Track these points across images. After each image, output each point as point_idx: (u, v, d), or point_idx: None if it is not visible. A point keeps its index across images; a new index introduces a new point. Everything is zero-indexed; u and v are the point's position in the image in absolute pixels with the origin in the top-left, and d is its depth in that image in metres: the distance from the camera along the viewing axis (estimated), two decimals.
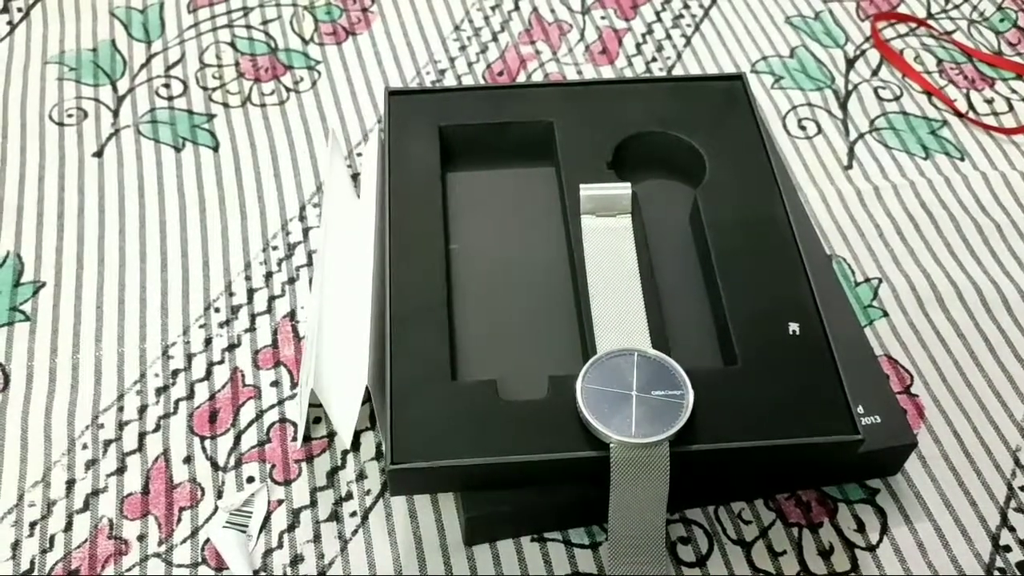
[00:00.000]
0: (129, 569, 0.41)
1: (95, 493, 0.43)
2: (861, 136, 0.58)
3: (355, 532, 0.42)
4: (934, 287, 0.50)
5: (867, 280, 0.51)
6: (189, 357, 0.47)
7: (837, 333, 0.44)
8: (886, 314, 0.49)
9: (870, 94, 0.60)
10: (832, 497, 0.43)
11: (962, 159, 0.57)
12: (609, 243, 0.43)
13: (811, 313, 0.41)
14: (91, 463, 0.44)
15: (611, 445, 0.37)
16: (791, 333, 0.41)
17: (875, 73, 0.61)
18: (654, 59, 0.62)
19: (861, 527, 0.42)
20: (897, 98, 0.60)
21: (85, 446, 0.44)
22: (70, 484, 0.43)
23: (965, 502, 0.43)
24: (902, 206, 0.54)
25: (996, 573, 0.41)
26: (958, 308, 0.50)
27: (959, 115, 0.59)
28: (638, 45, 0.63)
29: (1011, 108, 0.59)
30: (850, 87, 0.60)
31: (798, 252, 0.43)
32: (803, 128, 0.58)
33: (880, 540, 0.42)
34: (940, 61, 0.62)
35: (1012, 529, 0.42)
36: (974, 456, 0.45)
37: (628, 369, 0.39)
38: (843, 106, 0.59)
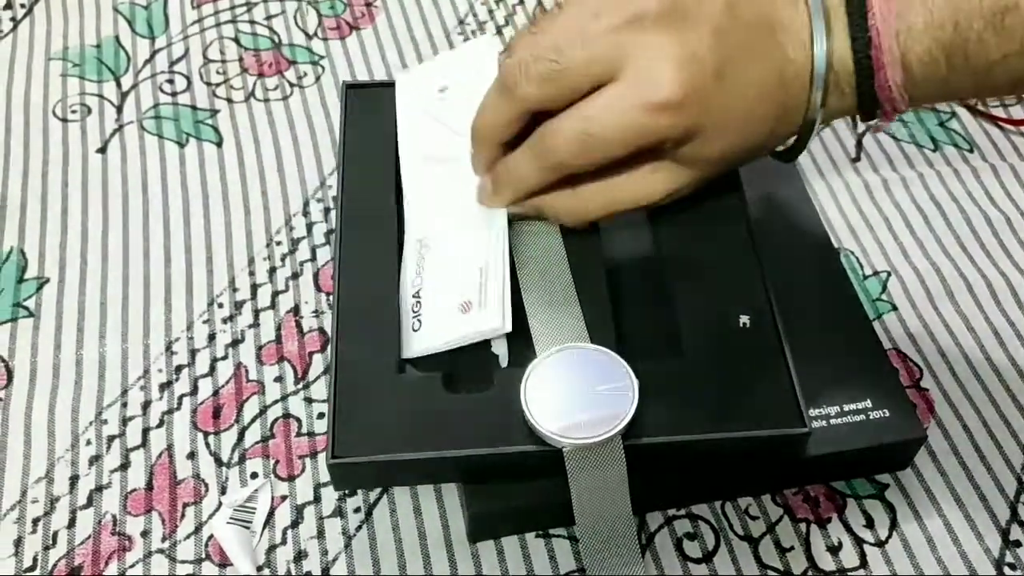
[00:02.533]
0: (133, 565, 0.41)
1: (99, 489, 0.43)
2: (869, 128, 0.57)
3: (359, 528, 0.42)
4: (944, 280, 0.50)
5: (876, 273, 0.50)
6: (193, 353, 0.47)
7: (845, 327, 0.44)
8: (895, 308, 0.49)
9: None
10: (841, 492, 0.43)
11: (971, 151, 0.56)
12: (540, 243, 0.43)
13: (762, 305, 0.41)
14: (94, 459, 0.44)
15: (563, 449, 0.36)
16: (741, 325, 0.40)
17: None
18: None
19: (870, 523, 0.42)
20: None
21: (89, 442, 0.44)
22: (73, 480, 0.43)
23: (975, 497, 0.43)
24: (911, 198, 0.54)
25: (1007, 568, 0.40)
26: (968, 301, 0.49)
27: (968, 107, 0.58)
28: None
29: (1020, 100, 0.59)
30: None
31: (751, 242, 0.43)
32: None
33: (889, 536, 0.41)
34: None
35: (1023, 524, 0.42)
36: (984, 450, 0.44)
37: (570, 367, 0.38)
38: None
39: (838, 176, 0.55)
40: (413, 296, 0.42)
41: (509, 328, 0.40)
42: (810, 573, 0.40)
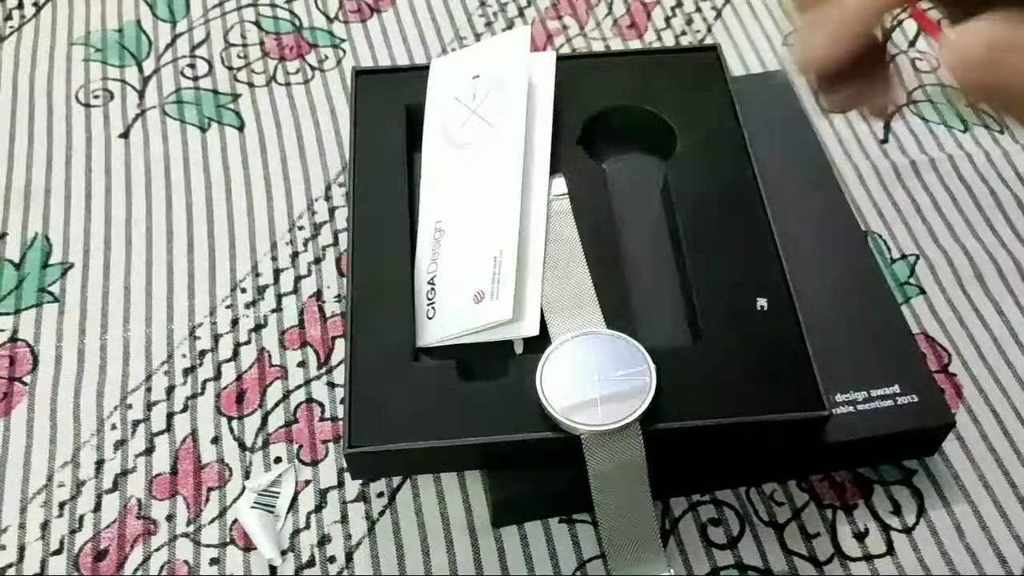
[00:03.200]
0: (158, 549, 0.41)
1: (124, 473, 0.43)
2: (898, 109, 0.56)
3: (382, 513, 0.42)
4: (973, 263, 0.49)
5: (903, 257, 0.50)
6: (216, 338, 0.47)
7: (873, 311, 0.43)
8: (923, 292, 0.48)
9: (907, 65, 0.58)
10: (867, 478, 0.42)
11: (1002, 132, 0.55)
12: (555, 229, 0.43)
13: (780, 289, 0.41)
14: (120, 443, 0.44)
15: (581, 436, 0.36)
16: (759, 308, 0.40)
17: (912, 44, 0.60)
18: (683, 32, 0.61)
19: (897, 509, 0.41)
20: (935, 70, 0.58)
21: (114, 427, 0.44)
22: (99, 464, 0.43)
23: (1005, 483, 0.42)
24: (940, 181, 0.53)
25: None
26: (998, 285, 0.48)
27: None
28: (667, 19, 0.62)
29: None
30: (887, 59, 0.58)
31: (768, 226, 0.42)
32: None
33: (917, 522, 0.41)
34: None
35: None
36: (1014, 436, 0.43)
37: (586, 352, 0.38)
38: None
39: (865, 157, 0.54)
40: (428, 283, 0.42)
41: (510, 315, 0.40)
42: (836, 559, 0.40)
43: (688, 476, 0.41)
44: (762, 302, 0.41)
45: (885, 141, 0.55)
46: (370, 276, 0.43)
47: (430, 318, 0.42)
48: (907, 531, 0.41)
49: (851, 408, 0.40)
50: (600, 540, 0.40)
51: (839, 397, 0.41)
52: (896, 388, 0.41)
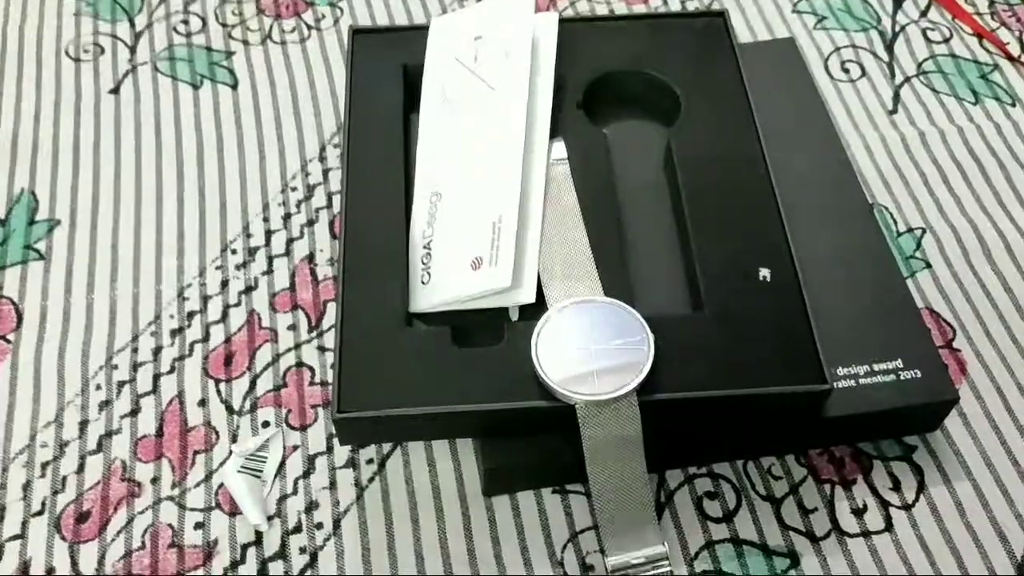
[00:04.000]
0: (142, 512, 0.40)
1: (108, 435, 0.42)
2: (907, 80, 0.55)
3: (371, 480, 0.41)
4: (980, 238, 0.48)
5: (910, 230, 0.49)
6: (205, 299, 0.46)
7: (877, 285, 0.42)
8: (929, 265, 0.47)
9: (918, 36, 0.57)
10: (867, 454, 0.41)
11: (1013, 105, 0.54)
12: (554, 195, 0.42)
13: (783, 259, 0.40)
14: (104, 404, 0.43)
15: (576, 405, 0.35)
16: (761, 279, 0.39)
17: (924, 14, 0.58)
18: None
19: (897, 485, 0.41)
20: (946, 40, 0.57)
21: (99, 387, 0.44)
22: (83, 425, 0.42)
23: (1007, 461, 0.41)
24: (949, 153, 0.52)
25: None
26: (1005, 260, 0.47)
27: (1011, 59, 0.56)
28: None
29: None
30: (897, 28, 0.57)
31: (773, 196, 0.42)
32: (846, 71, 0.55)
33: (916, 499, 0.40)
34: (992, 2, 0.59)
35: None
36: (1018, 414, 0.42)
37: (583, 320, 0.37)
38: (889, 48, 0.56)
39: (873, 128, 0.53)
40: (424, 247, 0.41)
41: (509, 282, 0.39)
42: (833, 535, 0.39)
43: (685, 449, 0.41)
44: (765, 272, 0.40)
45: (894, 112, 0.53)
46: (363, 239, 0.42)
47: (424, 283, 0.41)
48: (906, 508, 0.40)
49: (852, 382, 0.39)
50: (593, 511, 0.39)
51: (841, 371, 0.40)
52: (899, 363, 0.40)
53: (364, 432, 0.38)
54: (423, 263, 0.41)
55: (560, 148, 0.43)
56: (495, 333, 0.39)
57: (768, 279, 0.40)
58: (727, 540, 0.39)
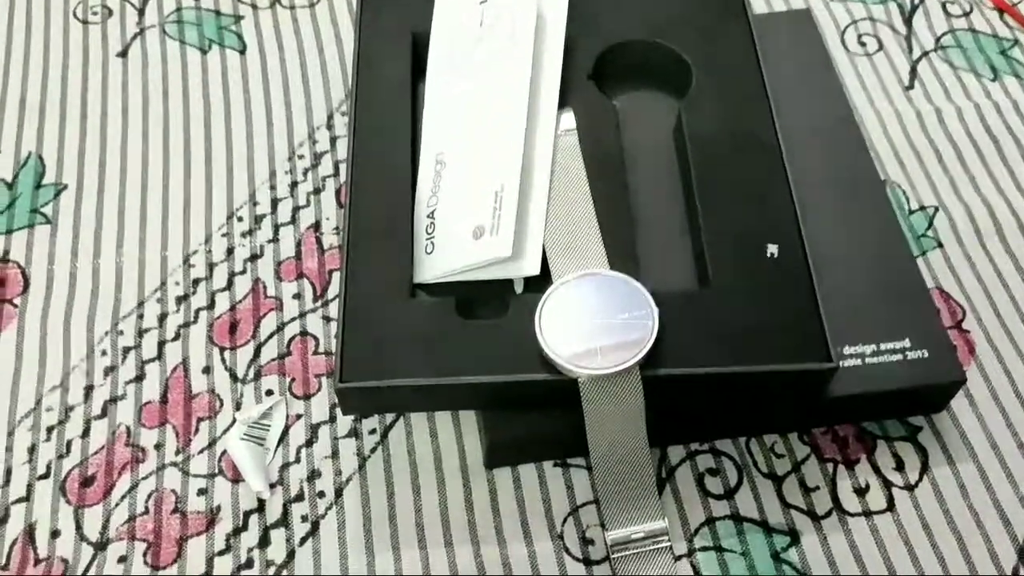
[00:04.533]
0: (145, 477, 0.40)
1: (113, 400, 0.42)
2: (925, 54, 0.54)
3: (374, 450, 0.41)
4: (994, 217, 0.47)
5: (922, 208, 0.48)
6: (211, 266, 0.46)
7: (887, 263, 0.42)
8: (940, 245, 0.47)
9: (937, 9, 0.56)
10: (871, 433, 0.41)
11: None
12: (561, 164, 0.41)
13: (791, 236, 0.39)
14: (110, 370, 0.43)
15: (579, 379, 0.35)
16: (769, 256, 0.39)
17: None
18: None
19: (900, 465, 0.40)
20: (966, 14, 0.56)
21: (104, 352, 0.44)
22: (88, 390, 0.43)
23: (1013, 444, 0.41)
24: (965, 130, 0.51)
25: None
26: (1018, 240, 0.47)
27: None
28: None
29: None
30: (916, 1, 0.56)
31: (784, 171, 0.41)
32: (863, 44, 0.54)
33: (919, 480, 0.40)
34: None
35: None
36: None
37: (588, 293, 0.37)
38: (908, 21, 0.55)
39: (889, 104, 0.52)
40: (428, 216, 0.41)
41: (509, 252, 0.39)
42: (835, 514, 0.39)
43: (687, 425, 0.40)
44: (772, 249, 0.39)
45: (910, 87, 0.52)
46: (368, 209, 0.41)
47: (429, 253, 0.41)
48: (909, 488, 0.40)
49: (859, 361, 0.39)
50: (594, 485, 0.39)
51: (847, 349, 0.39)
52: (906, 342, 0.39)
53: (366, 402, 0.38)
54: (427, 232, 0.41)
55: (569, 118, 0.43)
56: (500, 305, 0.39)
57: (776, 256, 0.39)
58: (728, 517, 0.39)
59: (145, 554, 0.39)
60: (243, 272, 0.46)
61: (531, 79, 0.43)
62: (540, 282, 0.39)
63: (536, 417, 0.39)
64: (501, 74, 0.43)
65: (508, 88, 0.42)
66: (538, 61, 0.43)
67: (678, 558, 0.38)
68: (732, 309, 0.38)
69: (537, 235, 0.40)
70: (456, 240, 0.40)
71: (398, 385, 0.36)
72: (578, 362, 0.35)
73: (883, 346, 0.39)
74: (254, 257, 0.47)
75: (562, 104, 0.43)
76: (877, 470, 0.40)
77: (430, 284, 0.40)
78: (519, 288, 0.40)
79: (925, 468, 0.40)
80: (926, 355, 0.39)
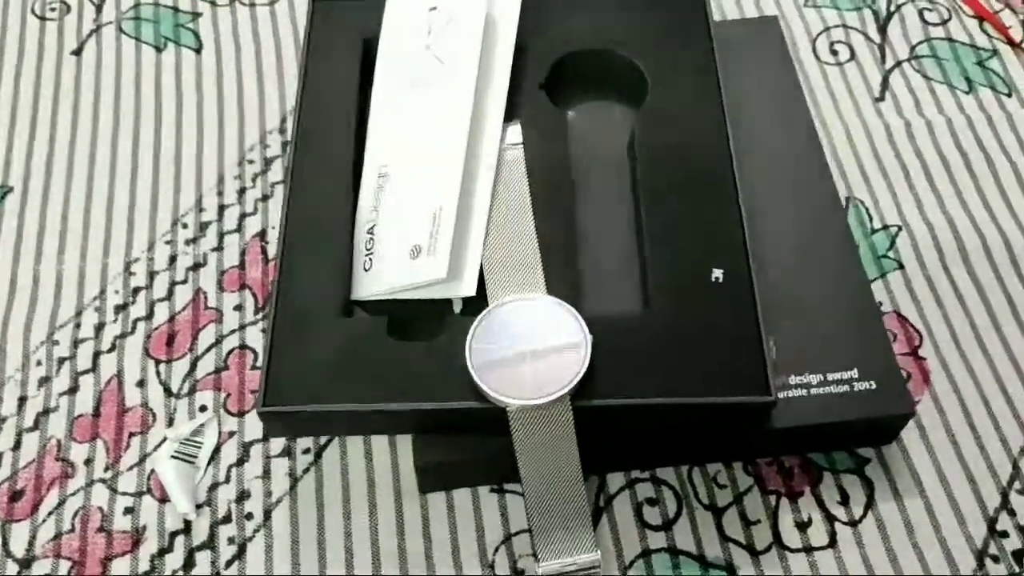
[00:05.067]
0: (74, 493, 0.40)
1: (46, 412, 0.42)
2: (898, 64, 0.52)
3: (306, 470, 0.40)
4: (958, 238, 0.46)
5: (885, 227, 0.46)
6: (151, 275, 0.45)
7: (839, 285, 0.40)
8: (901, 266, 0.45)
9: (914, 16, 0.54)
10: (817, 465, 0.40)
11: (1009, 95, 0.51)
12: (501, 180, 0.40)
13: (739, 259, 0.38)
14: (44, 380, 0.42)
15: (507, 409, 0.34)
16: (714, 279, 0.37)
17: None
18: None
19: (845, 499, 0.39)
20: (944, 22, 0.54)
21: (39, 362, 0.43)
22: (22, 401, 0.42)
23: (963, 479, 0.40)
24: (934, 145, 0.49)
25: (988, 560, 0.38)
26: (983, 263, 0.45)
27: (1013, 44, 0.53)
28: None
29: None
30: (892, 7, 0.54)
31: (735, 190, 0.40)
32: (835, 53, 0.53)
33: (864, 515, 0.39)
34: None
35: (1012, 513, 0.39)
36: (980, 429, 0.41)
37: (521, 318, 0.36)
38: (882, 29, 0.54)
39: (857, 116, 0.50)
40: (367, 232, 0.40)
41: (444, 274, 0.38)
42: (774, 549, 0.38)
43: (627, 451, 0.39)
44: (718, 273, 0.38)
45: (881, 99, 0.51)
46: (306, 221, 0.40)
47: (367, 270, 0.40)
48: (853, 524, 0.39)
49: (803, 391, 0.38)
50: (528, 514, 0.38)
51: (792, 379, 0.38)
52: (854, 372, 0.38)
53: (291, 426, 0.37)
54: (366, 248, 0.40)
55: (515, 132, 0.41)
56: (435, 327, 0.38)
57: (720, 280, 0.38)
58: (664, 549, 0.38)
59: (70, 573, 0.38)
60: (184, 281, 0.45)
61: (479, 89, 0.41)
62: (480, 302, 0.38)
63: (470, 442, 0.37)
64: (446, 84, 0.42)
65: (453, 100, 0.41)
66: (487, 70, 0.42)
67: None
68: (670, 336, 0.37)
69: (475, 255, 0.39)
70: (394, 258, 0.39)
71: (322, 411, 0.36)
72: (506, 391, 0.34)
73: (830, 376, 0.38)
74: (197, 266, 0.46)
75: (512, 115, 0.42)
76: (821, 503, 0.39)
77: (369, 301, 0.39)
78: (457, 308, 0.39)
79: (871, 502, 0.39)
80: (873, 386, 0.38)
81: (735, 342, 0.37)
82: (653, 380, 0.36)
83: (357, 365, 0.36)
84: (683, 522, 0.39)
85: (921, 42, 0.53)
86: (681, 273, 0.38)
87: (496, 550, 0.38)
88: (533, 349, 0.35)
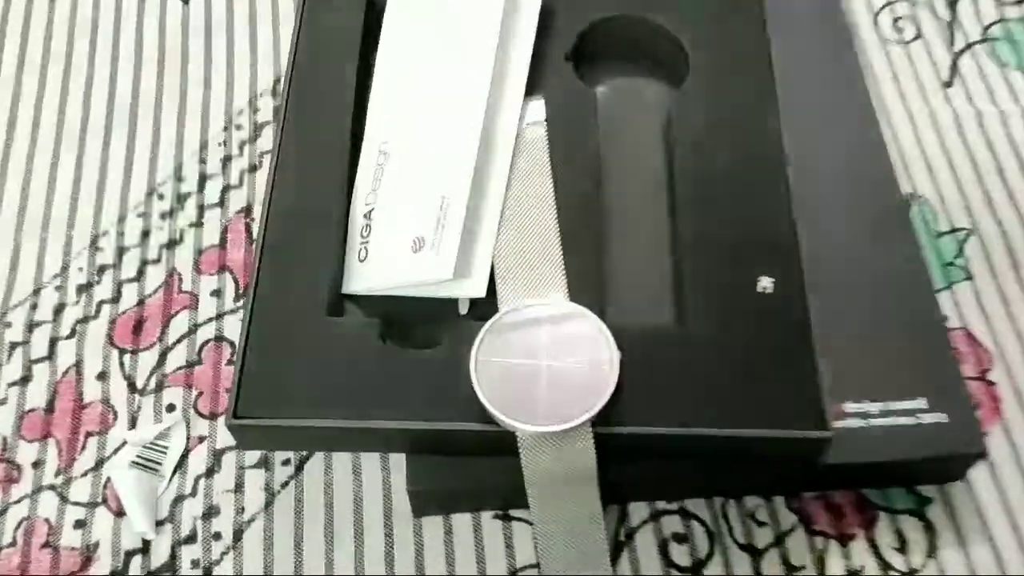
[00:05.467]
0: (18, 501, 0.35)
1: None
2: (969, 47, 0.46)
3: (285, 485, 0.35)
4: None
5: (953, 230, 0.41)
6: (120, 251, 0.40)
7: (902, 297, 0.35)
8: (970, 276, 0.40)
9: None
10: (872, 503, 0.35)
11: None
12: (519, 164, 0.35)
13: (789, 268, 0.33)
14: None
15: (517, 434, 0.29)
16: (761, 290, 0.32)
17: None
18: None
19: (903, 545, 0.34)
20: (1020, 1, 0.48)
21: None
22: None
23: None
24: (1008, 138, 0.44)
25: None
26: None
27: None
28: None
29: None
30: None
31: (786, 186, 0.34)
32: (899, 30, 0.47)
33: (924, 564, 0.34)
34: None
35: None
36: None
37: (538, 329, 0.31)
38: (952, 5, 0.48)
39: (923, 102, 0.45)
40: (364, 216, 0.34)
41: (451, 273, 0.32)
42: None
43: (653, 479, 0.34)
44: (765, 282, 0.33)
45: (949, 84, 0.45)
46: (293, 200, 0.35)
47: (362, 260, 0.34)
48: (911, 574, 0.34)
49: (863, 421, 0.33)
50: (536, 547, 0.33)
51: (849, 407, 0.33)
52: (922, 402, 0.33)
53: (266, 440, 0.32)
54: (362, 236, 0.35)
55: (538, 108, 0.36)
56: (436, 331, 0.32)
57: (769, 290, 0.33)
58: None
59: None
60: (157, 261, 0.40)
61: (497, 59, 0.36)
62: (490, 304, 0.33)
63: (472, 466, 0.32)
64: (462, 51, 0.36)
65: (468, 69, 0.36)
66: (507, 38, 0.36)
67: None
68: (709, 356, 0.31)
69: (487, 250, 0.33)
70: (393, 250, 0.34)
71: (301, 426, 0.30)
72: (517, 415, 0.29)
73: (893, 406, 0.33)
74: (172, 243, 0.40)
75: (533, 90, 0.36)
76: (875, 549, 0.34)
77: (363, 296, 0.34)
78: (463, 308, 0.34)
79: (932, 549, 0.34)
80: (944, 420, 0.33)
81: (784, 364, 0.31)
82: (690, 407, 0.30)
83: (345, 373, 0.31)
84: (715, 564, 0.34)
85: (994, 23, 0.47)
86: (723, 281, 0.33)
87: None
88: (551, 364, 0.30)
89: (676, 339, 0.32)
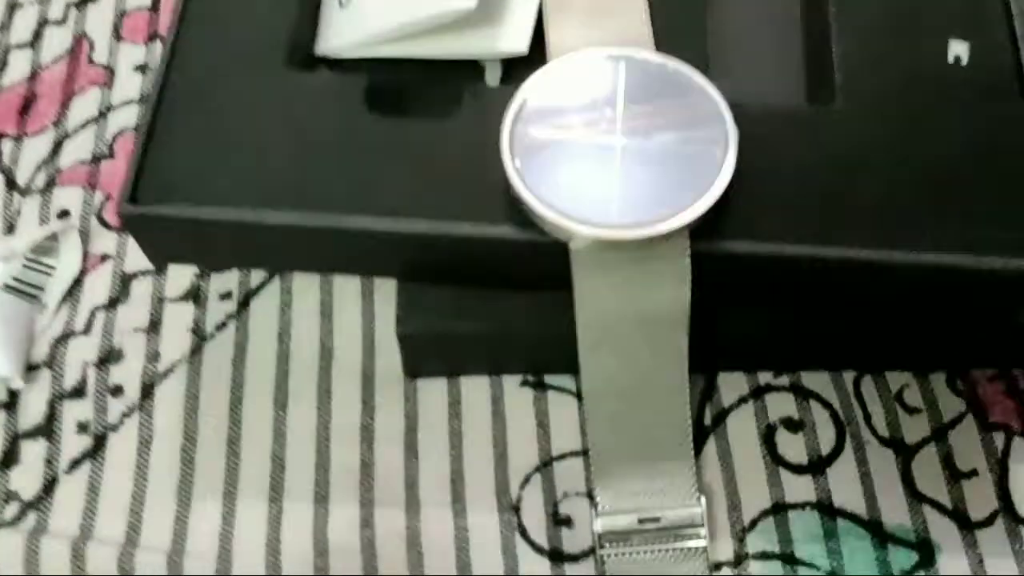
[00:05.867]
0: None
1: None
2: None
3: (222, 326, 0.25)
4: None
5: None
6: (12, 7, 0.29)
7: None
8: None
9: None
10: None
11: None
12: None
13: (994, 26, 0.24)
14: None
15: (570, 243, 0.20)
16: (953, 60, 0.23)
17: None
18: None
19: None
20: None
21: None
22: None
23: None
24: None
25: None
26: None
27: None
28: None
29: None
30: None
31: None
32: None
33: None
34: None
35: None
36: None
37: (606, 89, 0.21)
38: None
39: None
40: None
41: (474, 2, 0.22)
42: (1001, 520, 0.23)
43: (754, 339, 0.24)
44: (959, 48, 0.23)
45: None
46: None
47: (342, 5, 0.23)
48: None
49: None
50: (584, 431, 0.22)
51: None
52: None
53: (186, 245, 0.21)
54: None
55: None
56: (449, 101, 0.22)
57: (963, 61, 0.22)
58: (811, 505, 0.23)
59: None
60: (62, 21, 0.29)
61: None
62: (529, 69, 0.22)
63: (491, 298, 0.22)
64: None
65: None
66: None
67: (716, 568, 0.22)
68: (870, 145, 0.22)
69: None
70: None
71: (240, 220, 0.19)
72: (573, 212, 0.19)
73: None
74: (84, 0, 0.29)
75: None
76: None
77: (343, 60, 0.23)
78: (493, 79, 0.23)
79: None
80: None
81: (984, 167, 0.20)
82: (836, 220, 0.20)
83: (309, 148, 0.21)
84: (845, 463, 0.23)
85: None
86: (891, 47, 0.23)
87: (525, 482, 0.23)
88: (626, 142, 0.19)
89: (818, 123, 0.22)
